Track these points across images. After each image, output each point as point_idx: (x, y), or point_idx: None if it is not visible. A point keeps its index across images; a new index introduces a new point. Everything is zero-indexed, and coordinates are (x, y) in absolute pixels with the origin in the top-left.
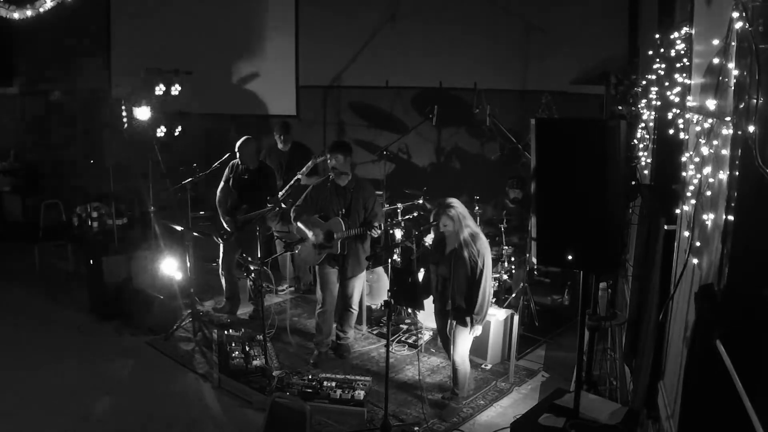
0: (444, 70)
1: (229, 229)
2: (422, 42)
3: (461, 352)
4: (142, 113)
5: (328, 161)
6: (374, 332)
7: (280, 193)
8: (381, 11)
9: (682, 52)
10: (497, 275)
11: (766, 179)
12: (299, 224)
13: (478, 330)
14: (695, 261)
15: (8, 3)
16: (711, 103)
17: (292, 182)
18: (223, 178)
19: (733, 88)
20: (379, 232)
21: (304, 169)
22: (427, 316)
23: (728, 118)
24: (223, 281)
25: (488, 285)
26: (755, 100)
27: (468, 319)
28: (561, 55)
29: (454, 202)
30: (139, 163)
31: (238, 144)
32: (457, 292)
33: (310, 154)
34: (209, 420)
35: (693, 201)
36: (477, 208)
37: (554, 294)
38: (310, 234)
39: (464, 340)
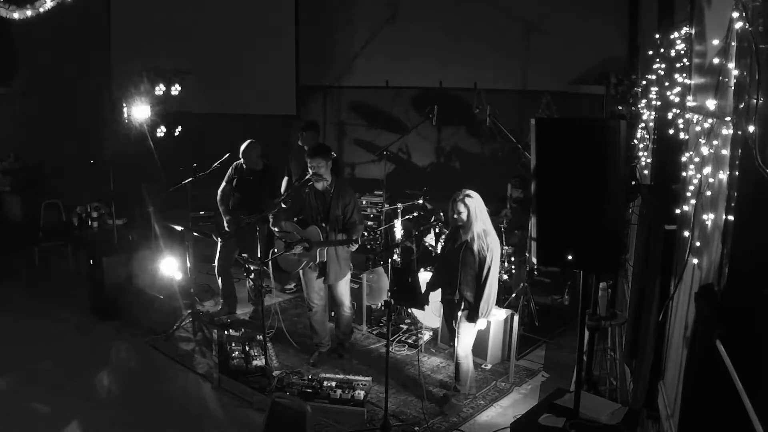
0: (444, 70)
1: (228, 229)
2: (422, 42)
3: (465, 346)
4: (142, 113)
5: (309, 167)
6: (374, 332)
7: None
8: (381, 11)
9: (682, 52)
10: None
11: (766, 179)
12: (275, 230)
13: (482, 323)
14: (695, 261)
15: (8, 3)
16: (711, 103)
17: (289, 185)
18: (226, 179)
19: (733, 88)
20: (355, 246)
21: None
22: (427, 316)
23: (728, 118)
24: (219, 281)
25: (495, 280)
26: (755, 100)
27: (474, 313)
28: (561, 55)
29: (474, 194)
30: (139, 163)
31: (242, 149)
32: (465, 285)
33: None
34: (209, 420)
35: (693, 201)
36: None
37: (554, 294)
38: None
39: (468, 334)
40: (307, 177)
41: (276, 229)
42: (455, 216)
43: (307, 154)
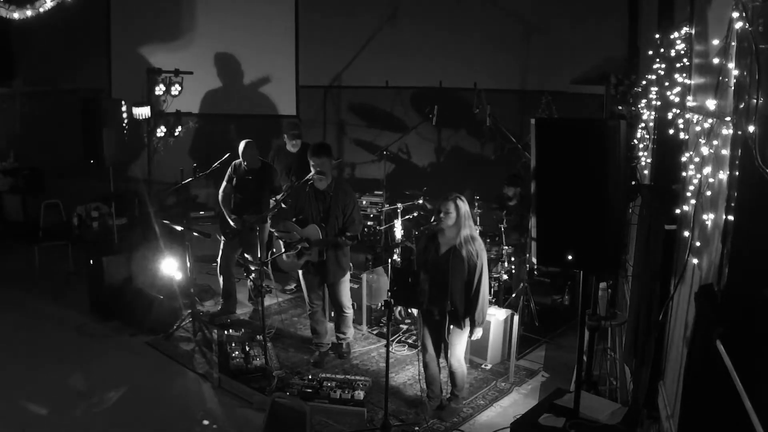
0: (444, 70)
1: (235, 227)
2: (422, 42)
3: (458, 354)
4: (142, 113)
5: (312, 166)
6: (374, 332)
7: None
8: (381, 11)
9: (682, 52)
10: (497, 275)
11: (766, 179)
12: (275, 232)
13: (478, 333)
14: (695, 261)
15: (8, 3)
16: (711, 103)
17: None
18: (225, 178)
19: (733, 88)
20: (350, 243)
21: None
22: None
23: (728, 118)
24: (220, 280)
25: (486, 287)
26: (755, 100)
27: (466, 321)
28: (561, 55)
29: (464, 199)
30: (139, 163)
31: (240, 149)
32: (455, 293)
33: None
34: (209, 420)
35: (693, 201)
36: (476, 208)
37: (554, 294)
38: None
39: (461, 342)
40: (308, 176)
41: (275, 230)
42: (442, 215)
43: (312, 154)
